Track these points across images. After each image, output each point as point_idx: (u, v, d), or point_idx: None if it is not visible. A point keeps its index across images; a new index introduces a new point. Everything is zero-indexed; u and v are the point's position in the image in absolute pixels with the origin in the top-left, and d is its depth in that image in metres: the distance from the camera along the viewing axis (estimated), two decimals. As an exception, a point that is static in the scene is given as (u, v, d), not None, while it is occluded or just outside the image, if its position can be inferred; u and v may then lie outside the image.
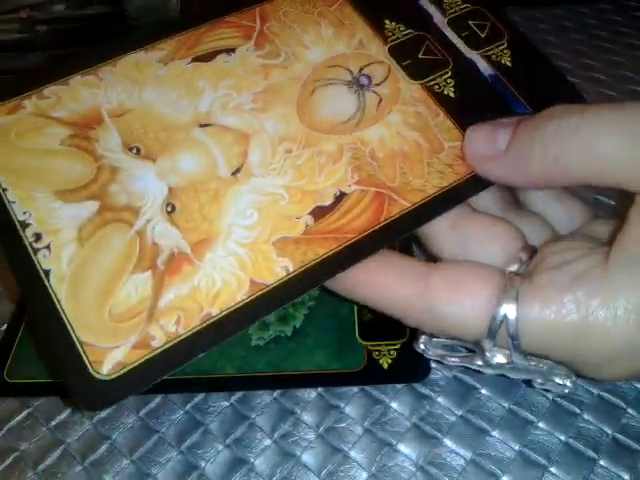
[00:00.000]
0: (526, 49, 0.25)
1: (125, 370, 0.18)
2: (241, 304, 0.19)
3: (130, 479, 0.24)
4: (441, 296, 0.20)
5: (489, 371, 0.21)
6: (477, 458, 0.24)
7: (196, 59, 0.23)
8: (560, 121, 0.19)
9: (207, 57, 0.23)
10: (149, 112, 0.22)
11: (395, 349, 0.26)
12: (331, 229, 0.20)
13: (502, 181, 0.21)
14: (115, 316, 0.18)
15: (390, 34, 0.25)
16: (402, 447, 0.24)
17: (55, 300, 0.18)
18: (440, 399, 0.25)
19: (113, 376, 0.17)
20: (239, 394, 0.26)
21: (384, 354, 0.26)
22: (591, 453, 0.23)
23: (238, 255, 0.19)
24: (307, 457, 0.24)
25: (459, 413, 0.25)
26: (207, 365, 0.26)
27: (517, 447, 0.24)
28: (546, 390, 0.23)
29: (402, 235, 0.21)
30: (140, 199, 0.20)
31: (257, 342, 0.27)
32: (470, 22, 0.25)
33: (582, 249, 0.20)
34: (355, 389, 0.26)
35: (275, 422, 0.25)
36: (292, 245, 0.20)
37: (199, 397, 0.26)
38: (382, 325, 0.27)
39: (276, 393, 0.26)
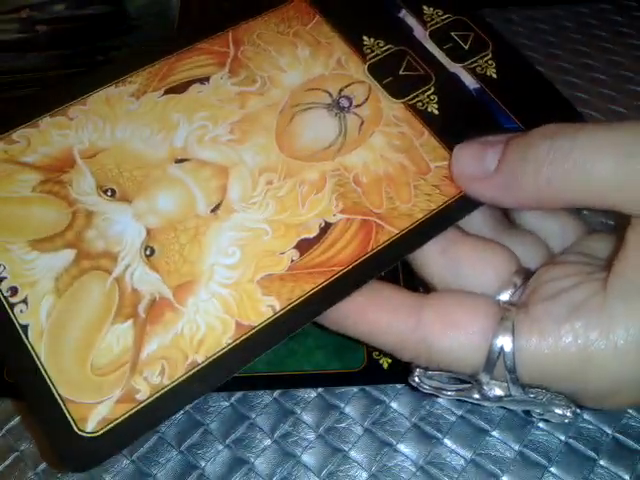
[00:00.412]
0: (511, 58, 0.24)
1: (111, 426, 0.17)
2: (227, 349, 0.18)
3: (130, 479, 0.24)
4: (435, 331, 0.19)
5: (487, 404, 0.21)
6: (477, 458, 0.24)
7: (169, 90, 0.23)
8: (553, 142, 0.18)
9: (180, 88, 0.23)
10: (123, 150, 0.21)
11: (395, 349, 0.26)
12: (317, 263, 0.20)
13: (492, 202, 0.21)
14: (97, 369, 0.18)
15: (369, 51, 0.24)
16: (402, 447, 0.24)
17: (34, 356, 0.18)
18: (440, 399, 0.25)
19: (99, 433, 0.17)
20: (239, 394, 0.26)
21: (384, 354, 0.26)
22: (591, 453, 0.23)
23: (222, 297, 0.19)
24: (307, 457, 0.24)
25: (459, 413, 0.25)
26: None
27: (517, 447, 0.24)
28: (546, 420, 0.23)
29: (392, 264, 0.20)
30: (117, 244, 0.19)
31: (257, 342, 0.27)
32: (452, 33, 0.24)
33: (579, 275, 0.19)
34: (355, 389, 0.26)
35: (275, 422, 0.25)
36: (278, 282, 0.19)
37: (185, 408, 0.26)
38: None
39: (276, 393, 0.26)
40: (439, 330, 0.19)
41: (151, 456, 0.24)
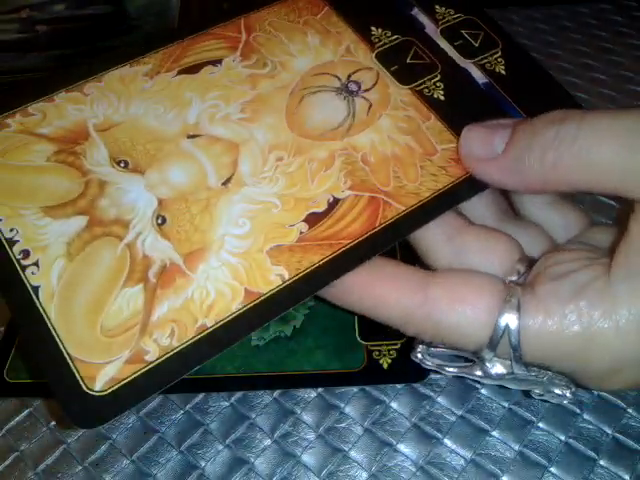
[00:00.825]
0: (520, 57, 0.25)
1: (119, 385, 0.17)
2: (236, 314, 0.18)
3: (130, 479, 0.24)
4: (441, 306, 0.19)
5: (488, 381, 0.21)
6: (477, 458, 0.24)
7: (182, 71, 0.23)
8: (559, 127, 0.19)
9: (193, 69, 0.23)
10: (136, 125, 0.22)
11: (395, 349, 0.26)
12: (326, 235, 0.20)
13: (498, 184, 0.21)
14: (107, 331, 0.18)
15: (377, 40, 0.25)
16: (402, 447, 0.24)
17: (45, 317, 0.18)
18: (440, 399, 0.25)
19: (107, 392, 0.17)
20: (239, 394, 0.26)
21: (384, 354, 0.26)
22: (591, 453, 0.23)
23: (232, 265, 0.19)
24: (307, 457, 0.24)
25: (459, 413, 0.25)
26: (207, 365, 0.26)
27: (517, 447, 0.24)
28: (544, 400, 0.23)
29: (398, 239, 0.21)
30: (129, 212, 0.20)
31: (257, 342, 0.27)
32: (463, 31, 0.25)
33: (583, 259, 0.20)
34: (355, 389, 0.26)
35: (275, 422, 0.25)
36: (287, 253, 0.20)
37: (199, 397, 0.26)
38: (382, 325, 0.27)
39: (276, 393, 0.26)
40: (446, 305, 0.19)
41: (151, 456, 0.24)
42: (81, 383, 0.17)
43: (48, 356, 0.18)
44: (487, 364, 0.20)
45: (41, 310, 0.18)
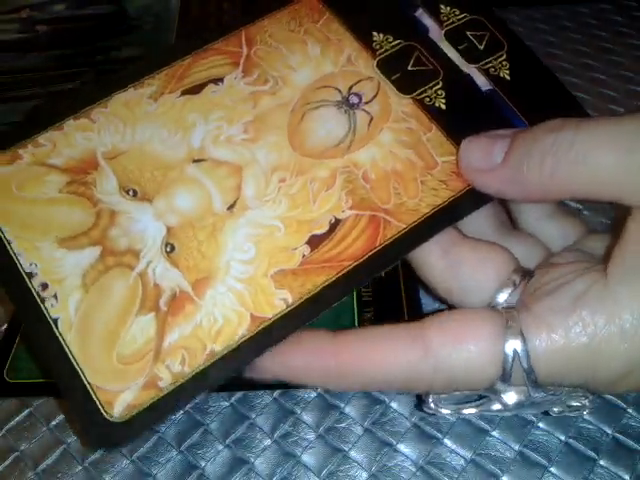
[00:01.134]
0: (526, 59, 0.24)
1: (136, 412, 0.18)
2: (243, 339, 0.19)
3: (130, 479, 0.24)
4: (443, 351, 0.19)
5: (507, 414, 0.21)
6: (477, 458, 0.24)
7: (185, 92, 0.23)
8: (557, 135, 0.19)
9: (196, 89, 0.23)
10: (143, 152, 0.22)
11: (395, 349, 0.26)
12: (327, 258, 0.20)
13: (498, 194, 0.21)
14: (123, 359, 0.19)
15: (378, 47, 0.24)
16: (402, 447, 0.24)
17: (65, 346, 0.19)
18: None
19: (125, 418, 0.18)
20: (239, 394, 0.26)
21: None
22: (591, 453, 0.23)
23: (237, 290, 0.20)
24: (307, 457, 0.24)
25: (459, 413, 0.25)
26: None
27: (517, 447, 0.24)
28: (565, 416, 0.23)
29: (399, 258, 0.21)
30: (140, 241, 0.20)
31: (257, 342, 0.27)
32: (468, 33, 0.25)
33: (577, 270, 0.20)
34: (355, 389, 0.26)
35: (275, 422, 0.25)
36: (290, 276, 0.20)
37: (199, 397, 0.26)
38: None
39: (276, 393, 0.26)
40: (448, 349, 0.19)
41: (151, 456, 0.24)
42: (101, 409, 0.18)
43: (69, 384, 0.19)
44: (503, 396, 0.20)
45: (61, 340, 0.19)
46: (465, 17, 0.25)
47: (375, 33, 0.25)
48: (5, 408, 0.26)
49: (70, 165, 0.22)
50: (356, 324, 0.27)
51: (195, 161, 0.22)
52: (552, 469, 0.23)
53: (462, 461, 0.24)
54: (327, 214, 0.21)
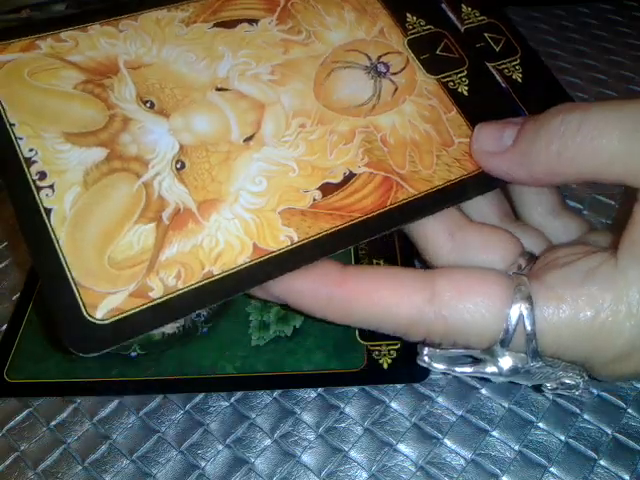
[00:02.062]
0: (538, 68, 0.25)
1: (120, 317, 0.17)
2: (243, 267, 0.19)
3: (130, 479, 0.24)
4: (451, 299, 0.19)
5: (500, 379, 0.21)
6: (477, 458, 0.24)
7: (218, 24, 0.23)
8: (564, 117, 0.19)
9: (229, 24, 0.24)
10: (166, 69, 0.22)
11: (395, 349, 0.26)
12: (338, 206, 0.20)
13: (507, 176, 0.21)
14: (114, 263, 0.18)
15: (411, 27, 0.25)
16: (402, 447, 0.24)
17: (54, 240, 0.18)
18: (440, 399, 0.25)
19: (107, 321, 0.17)
20: (239, 394, 0.26)
21: (384, 354, 0.26)
22: (591, 453, 0.23)
23: (244, 219, 0.20)
24: (307, 457, 0.24)
25: (459, 413, 0.25)
26: (207, 365, 0.26)
27: (517, 447, 0.24)
28: (557, 394, 0.23)
29: (406, 222, 0.21)
30: (150, 152, 0.20)
31: (257, 342, 0.27)
32: (486, 34, 0.26)
33: (587, 250, 0.20)
34: (355, 389, 0.26)
35: (275, 422, 0.25)
36: (298, 216, 0.20)
37: (199, 397, 0.26)
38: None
39: (276, 393, 0.26)
40: (455, 298, 0.19)
41: (151, 456, 0.24)
42: (83, 309, 0.17)
43: (53, 279, 0.18)
44: (500, 359, 0.20)
45: (51, 233, 0.18)
46: (484, 20, 0.26)
47: (409, 15, 0.25)
48: (5, 408, 0.26)
49: (89, 65, 0.22)
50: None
51: (218, 89, 0.22)
52: (552, 469, 0.23)
53: (462, 461, 0.24)
54: (342, 166, 0.21)
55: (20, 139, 0.20)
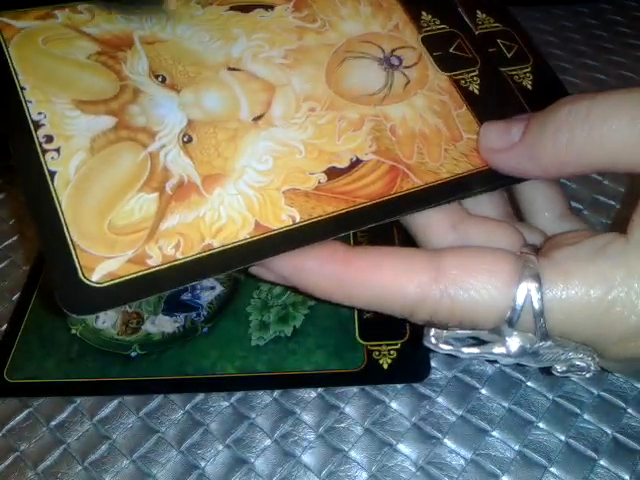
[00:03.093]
0: (549, 78, 0.25)
1: (115, 281, 0.18)
2: (243, 242, 0.19)
3: (130, 479, 0.24)
4: (457, 277, 0.19)
5: (508, 360, 0.20)
6: (477, 458, 0.24)
7: (234, 8, 0.24)
8: (571, 107, 0.19)
9: (245, 8, 0.24)
10: (180, 46, 0.22)
11: (395, 349, 0.26)
12: (342, 191, 0.20)
13: (515, 172, 0.21)
14: (114, 228, 0.18)
15: (425, 25, 0.25)
16: (402, 447, 0.24)
17: (56, 201, 0.18)
18: (440, 399, 0.25)
19: (102, 285, 0.17)
20: (239, 394, 0.26)
21: (384, 354, 0.26)
22: (591, 453, 0.23)
23: (247, 196, 0.20)
24: (307, 457, 0.24)
25: (459, 413, 0.25)
26: (207, 365, 0.26)
27: (517, 447, 0.24)
28: (567, 377, 0.22)
29: (409, 211, 0.21)
30: (158, 124, 0.20)
31: (257, 342, 0.27)
32: (498, 40, 0.26)
33: (593, 234, 0.20)
34: (355, 389, 0.26)
35: (275, 422, 0.25)
36: (302, 197, 0.20)
37: (199, 397, 0.26)
38: (382, 325, 0.27)
39: (276, 393, 0.26)
40: (463, 276, 0.19)
41: (151, 456, 0.24)
42: (79, 271, 0.18)
43: (52, 239, 0.18)
44: (508, 339, 0.19)
45: (54, 195, 0.19)
46: (498, 27, 0.26)
47: (424, 13, 0.26)
48: (5, 408, 0.26)
49: (105, 38, 0.22)
50: (355, 313, 0.28)
51: (230, 69, 0.22)
52: (552, 469, 0.23)
53: (462, 461, 0.24)
54: (349, 152, 0.21)
55: (30, 102, 0.20)
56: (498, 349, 0.20)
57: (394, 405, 0.25)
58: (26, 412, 0.26)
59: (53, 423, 0.26)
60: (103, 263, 0.18)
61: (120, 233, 0.18)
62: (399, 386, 0.26)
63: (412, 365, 0.26)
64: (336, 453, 0.24)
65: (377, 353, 0.26)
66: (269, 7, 0.24)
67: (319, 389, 0.26)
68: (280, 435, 0.25)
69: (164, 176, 0.20)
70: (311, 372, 0.26)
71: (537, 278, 0.18)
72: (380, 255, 0.20)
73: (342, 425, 0.25)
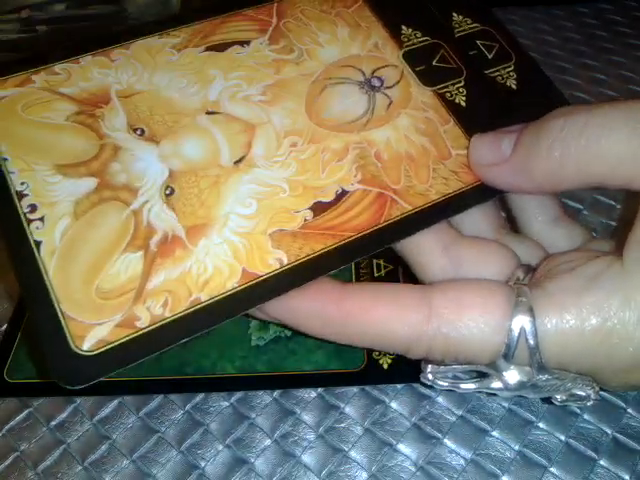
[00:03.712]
0: (532, 72, 0.25)
1: (106, 348, 0.17)
2: (231, 292, 0.19)
3: (130, 479, 0.24)
4: (449, 316, 0.19)
5: (506, 394, 0.20)
6: (477, 458, 0.24)
7: (210, 48, 0.24)
8: (566, 120, 0.18)
9: (221, 47, 0.24)
10: (157, 96, 0.22)
11: (395, 349, 0.26)
12: (329, 226, 0.20)
13: (508, 187, 0.21)
14: (102, 293, 0.18)
15: (406, 39, 0.25)
16: (402, 447, 0.24)
17: (43, 272, 0.18)
18: (440, 399, 0.25)
19: (94, 353, 0.17)
20: (239, 394, 0.26)
21: (384, 354, 0.26)
22: (591, 453, 0.23)
23: (233, 243, 0.19)
24: (307, 457, 0.24)
25: (459, 413, 0.25)
26: (207, 365, 0.26)
27: (517, 447, 0.24)
28: (567, 406, 0.22)
29: (400, 238, 0.21)
30: (139, 180, 0.20)
31: (257, 342, 0.27)
32: (478, 42, 0.25)
33: (590, 255, 0.19)
34: (355, 389, 0.26)
35: (275, 422, 0.25)
36: (289, 238, 0.20)
37: (199, 397, 0.26)
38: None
39: (276, 393, 0.26)
40: (454, 314, 0.18)
41: (151, 456, 0.24)
42: (70, 341, 0.17)
43: (41, 311, 0.18)
44: (504, 374, 0.19)
45: (40, 265, 0.18)
46: (476, 27, 0.26)
47: (404, 27, 0.25)
48: (5, 408, 0.26)
49: (82, 97, 0.22)
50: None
51: (209, 113, 0.22)
52: (552, 469, 0.23)
53: (462, 461, 0.24)
54: (334, 184, 0.21)
55: (12, 173, 0.20)
56: (496, 384, 0.20)
57: (394, 405, 0.25)
58: (26, 412, 0.26)
59: (53, 423, 0.26)
60: (93, 330, 0.18)
61: (107, 297, 0.18)
62: (399, 386, 0.26)
63: (412, 365, 0.26)
64: (336, 453, 0.24)
65: (377, 353, 0.26)
66: (245, 43, 0.24)
67: (319, 389, 0.26)
68: (280, 435, 0.25)
69: (148, 233, 0.19)
70: (311, 372, 0.26)
71: (530, 312, 0.18)
72: (372, 294, 0.19)
73: (342, 425, 0.25)
